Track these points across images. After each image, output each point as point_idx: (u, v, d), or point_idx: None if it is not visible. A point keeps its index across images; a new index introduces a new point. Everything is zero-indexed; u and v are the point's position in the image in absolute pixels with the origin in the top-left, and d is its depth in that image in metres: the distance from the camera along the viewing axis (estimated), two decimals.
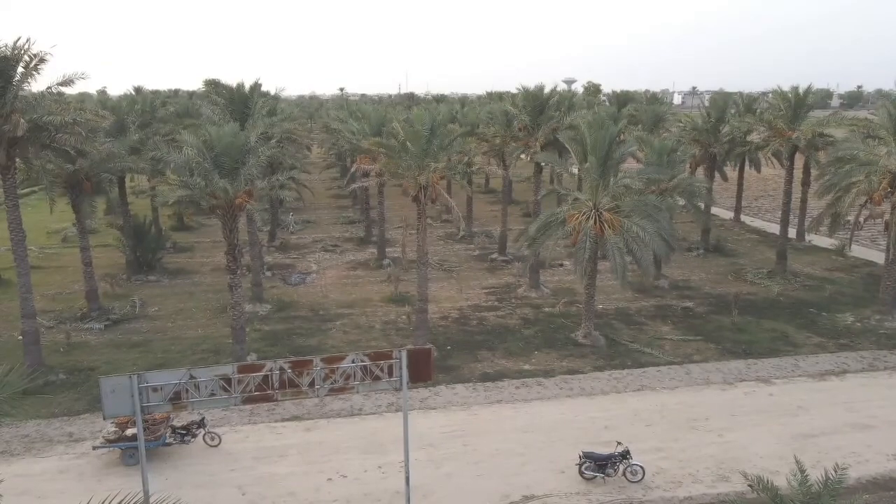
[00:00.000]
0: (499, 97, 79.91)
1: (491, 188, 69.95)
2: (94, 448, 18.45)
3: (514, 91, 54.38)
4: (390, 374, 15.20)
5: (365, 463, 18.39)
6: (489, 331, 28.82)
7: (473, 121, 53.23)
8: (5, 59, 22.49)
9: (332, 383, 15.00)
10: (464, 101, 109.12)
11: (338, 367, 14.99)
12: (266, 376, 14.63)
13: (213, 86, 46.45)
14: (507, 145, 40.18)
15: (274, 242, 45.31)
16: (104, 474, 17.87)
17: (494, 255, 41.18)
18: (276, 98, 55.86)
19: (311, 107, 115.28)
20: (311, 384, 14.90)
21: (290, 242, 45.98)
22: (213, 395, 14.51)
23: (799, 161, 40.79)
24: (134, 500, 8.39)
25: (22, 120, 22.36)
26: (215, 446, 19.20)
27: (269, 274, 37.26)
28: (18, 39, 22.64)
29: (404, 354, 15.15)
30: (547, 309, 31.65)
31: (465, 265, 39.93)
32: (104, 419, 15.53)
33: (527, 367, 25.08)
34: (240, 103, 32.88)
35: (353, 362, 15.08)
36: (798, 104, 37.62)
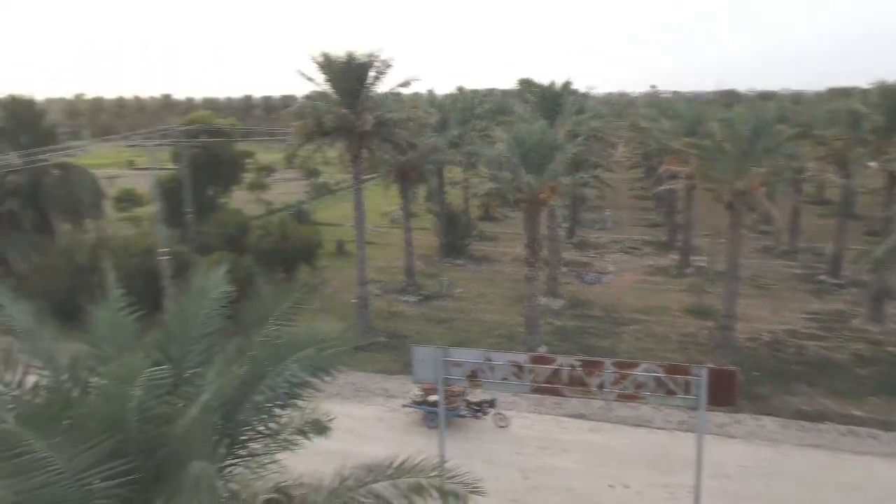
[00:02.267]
0: (844, 94, 68.62)
1: (826, 199, 60.42)
2: (404, 406, 20.92)
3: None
4: (686, 390, 14.03)
5: (649, 478, 17.37)
6: (809, 362, 24.89)
7: (808, 121, 46.50)
8: (362, 66, 26.49)
9: (622, 389, 14.44)
10: (797, 98, 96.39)
11: (629, 374, 14.36)
12: (556, 370, 14.71)
13: (526, 85, 48.65)
14: (851, 150, 34.15)
15: (572, 239, 45.75)
16: (412, 430, 20.07)
17: (823, 277, 35.47)
18: (585, 96, 56.29)
19: (619, 105, 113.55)
20: (601, 386, 14.54)
21: (588, 241, 45.97)
22: (505, 379, 15.11)
23: None
24: (434, 460, 9.13)
25: (370, 116, 26.18)
26: (503, 427, 20.07)
27: (565, 270, 37.69)
28: (373, 50, 26.49)
29: (705, 373, 13.84)
30: (891, 348, 26.13)
31: (784, 284, 35.18)
32: (413, 383, 17.33)
33: (857, 412, 20.98)
34: (550, 101, 33.84)
35: (646, 371, 14.30)
36: None
